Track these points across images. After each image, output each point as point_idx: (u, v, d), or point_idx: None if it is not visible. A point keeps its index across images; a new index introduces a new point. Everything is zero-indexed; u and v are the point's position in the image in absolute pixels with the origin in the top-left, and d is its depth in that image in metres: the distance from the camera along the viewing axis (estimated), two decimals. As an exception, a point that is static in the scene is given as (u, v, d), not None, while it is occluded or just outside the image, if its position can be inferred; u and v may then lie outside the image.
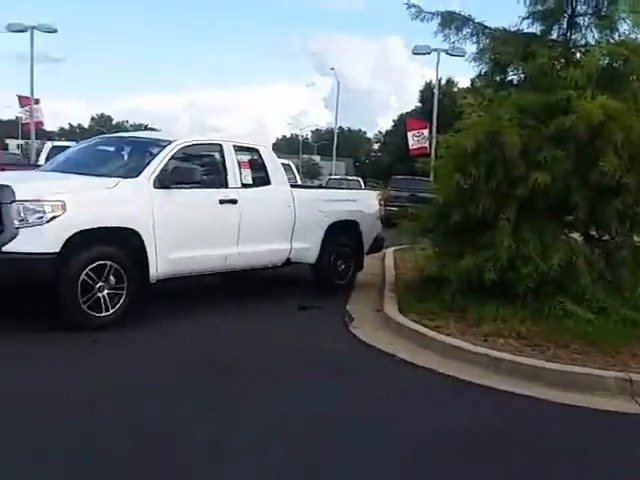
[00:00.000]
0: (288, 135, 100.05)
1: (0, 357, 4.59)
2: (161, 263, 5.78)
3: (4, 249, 4.99)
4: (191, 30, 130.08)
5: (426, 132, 25.08)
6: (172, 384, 4.27)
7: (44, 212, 5.05)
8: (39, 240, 5.03)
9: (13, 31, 23.72)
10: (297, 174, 14.06)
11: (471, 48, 7.52)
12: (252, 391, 4.21)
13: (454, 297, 6.18)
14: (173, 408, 3.86)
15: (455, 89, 42.53)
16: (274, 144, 78.77)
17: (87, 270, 5.25)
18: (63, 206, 5.12)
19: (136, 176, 5.83)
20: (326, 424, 3.75)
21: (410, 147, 25.76)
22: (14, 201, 5.03)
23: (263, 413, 3.84)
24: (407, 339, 5.66)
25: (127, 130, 72.57)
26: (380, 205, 8.62)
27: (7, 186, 5.17)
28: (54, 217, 5.07)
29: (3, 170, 7.50)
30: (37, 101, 24.95)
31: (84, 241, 5.22)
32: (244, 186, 6.72)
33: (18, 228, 5.02)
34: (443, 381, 4.71)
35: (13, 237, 5.00)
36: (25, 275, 5.05)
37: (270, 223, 6.97)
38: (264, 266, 7.19)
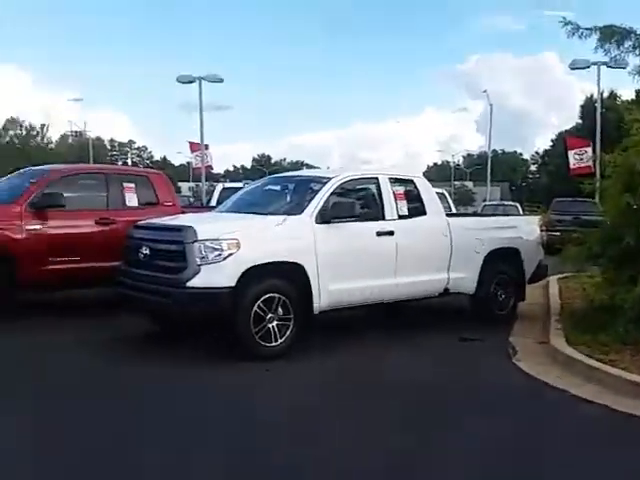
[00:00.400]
0: (439, 162, 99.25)
1: (182, 384, 5.07)
2: (324, 295, 6.07)
3: (188, 284, 5.58)
4: (339, 68, 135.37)
5: (589, 150, 23.54)
6: (341, 412, 4.47)
7: (222, 250, 5.58)
8: (218, 275, 5.55)
9: (183, 82, 26.07)
10: (451, 202, 13.96)
11: (634, 60, 7.14)
12: (421, 425, 4.28)
13: (629, 328, 5.76)
14: (347, 435, 4.05)
15: (619, 102, 39.60)
16: (424, 172, 78.42)
17: (259, 302, 5.68)
18: (237, 244, 5.63)
19: (300, 213, 6.23)
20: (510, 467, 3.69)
21: (571, 167, 24.34)
22: (196, 241, 5.62)
23: (435, 453, 3.89)
24: (576, 373, 5.36)
25: (285, 168, 76.61)
26: (541, 230, 8.32)
27: (190, 227, 5.80)
28: (230, 254, 5.58)
29: (183, 212, 8.35)
30: (206, 146, 27.34)
31: (256, 275, 5.67)
32: (400, 217, 6.86)
33: (200, 265, 5.58)
34: (620, 419, 4.41)
35: (196, 273, 5.57)
36: (207, 307, 5.59)
37: (427, 253, 7.02)
38: (422, 296, 7.21)
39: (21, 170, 8.95)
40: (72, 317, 7.46)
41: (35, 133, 76.81)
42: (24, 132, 75.21)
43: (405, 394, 4.89)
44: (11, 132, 72.34)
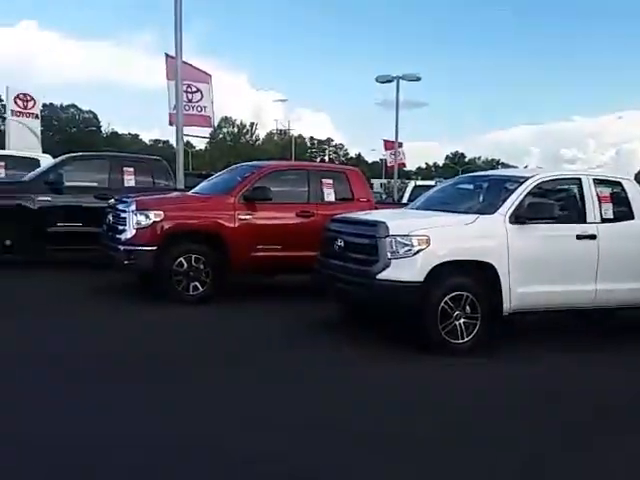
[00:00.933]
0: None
1: (364, 376, 5.29)
2: (514, 296, 5.95)
3: (378, 277, 5.81)
4: (541, 63, 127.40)
5: None
6: (532, 417, 4.39)
7: (412, 245, 5.73)
8: (407, 270, 5.71)
9: (381, 82, 26.77)
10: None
11: None
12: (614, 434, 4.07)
13: None
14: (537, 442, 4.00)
15: None
16: (638, 173, 70.91)
17: (446, 299, 5.75)
18: (427, 240, 5.74)
19: (493, 212, 6.16)
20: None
21: None
22: (388, 236, 5.84)
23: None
24: None
25: (479, 166, 74.47)
26: None
27: (383, 222, 6.03)
28: (420, 250, 5.71)
29: (376, 208, 8.65)
30: (400, 144, 27.76)
31: (445, 272, 5.74)
32: (604, 221, 6.48)
33: (390, 259, 5.79)
34: None
35: (386, 267, 5.78)
36: (395, 300, 5.79)
37: (634, 260, 6.53)
38: (626, 306, 6.74)
39: (234, 166, 9.98)
40: (269, 301, 8.14)
41: (245, 131, 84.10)
42: (236, 130, 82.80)
43: (598, 403, 4.65)
44: (224, 129, 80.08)
